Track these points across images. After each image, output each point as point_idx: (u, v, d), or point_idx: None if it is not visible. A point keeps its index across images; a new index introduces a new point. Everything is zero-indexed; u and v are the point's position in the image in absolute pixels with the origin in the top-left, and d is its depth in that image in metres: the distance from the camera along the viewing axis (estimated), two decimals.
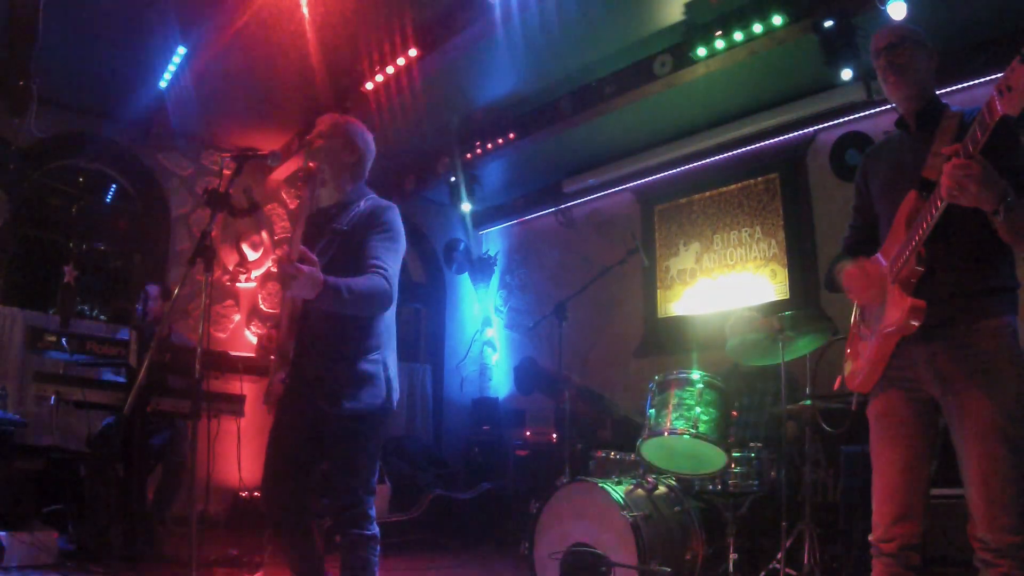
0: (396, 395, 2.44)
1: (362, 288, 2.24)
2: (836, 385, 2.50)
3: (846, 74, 4.29)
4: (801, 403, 3.58)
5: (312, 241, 2.45)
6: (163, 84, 5.39)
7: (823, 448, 4.33)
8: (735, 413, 3.68)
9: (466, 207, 6.69)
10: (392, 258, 2.38)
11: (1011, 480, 1.83)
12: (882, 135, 4.79)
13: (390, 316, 2.47)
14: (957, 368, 1.95)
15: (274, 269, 6.69)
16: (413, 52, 4.80)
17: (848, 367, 2.24)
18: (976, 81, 4.47)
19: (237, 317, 6.55)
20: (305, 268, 2.10)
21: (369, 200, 2.52)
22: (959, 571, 3.35)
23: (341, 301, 2.19)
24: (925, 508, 2.01)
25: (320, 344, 2.35)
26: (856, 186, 2.36)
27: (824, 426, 3.56)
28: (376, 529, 2.34)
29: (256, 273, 6.64)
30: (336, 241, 2.42)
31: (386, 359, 2.42)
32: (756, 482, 3.62)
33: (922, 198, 1.97)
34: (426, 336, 7.95)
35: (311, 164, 2.40)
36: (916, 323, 1.96)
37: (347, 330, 2.36)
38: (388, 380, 2.40)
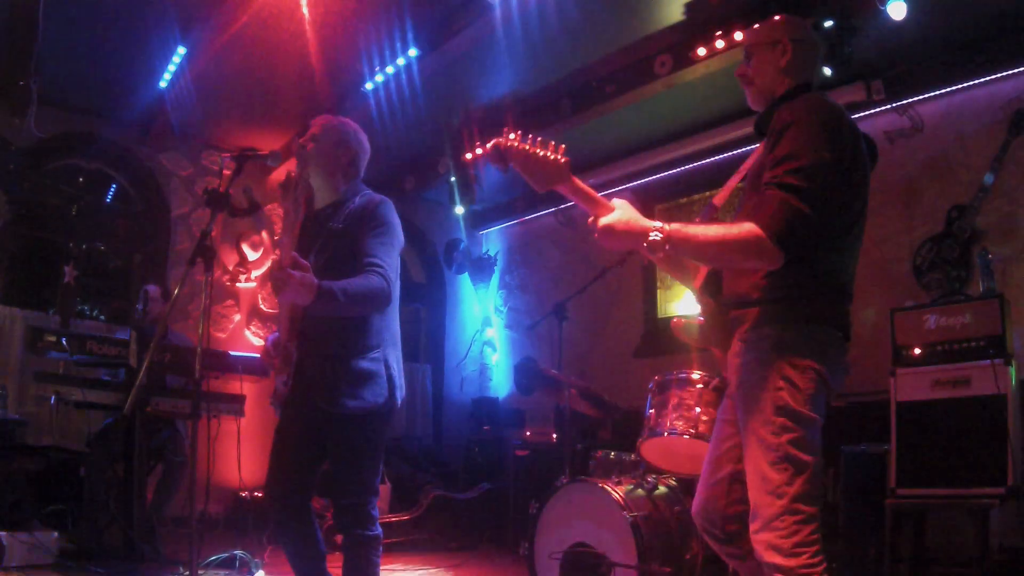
0: (400, 393, 2.43)
1: (358, 289, 2.24)
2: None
3: (845, 74, 4.28)
4: None
5: (310, 242, 2.46)
6: (163, 84, 5.39)
7: (823, 448, 4.33)
8: None
9: (459, 210, 6.67)
10: (388, 254, 2.37)
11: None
12: (882, 135, 4.81)
13: (391, 313, 2.46)
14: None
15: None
16: (413, 52, 4.80)
17: None
18: (976, 81, 4.42)
19: (237, 317, 6.55)
20: (296, 274, 2.10)
21: (363, 196, 2.51)
22: (961, 571, 3.35)
23: (337, 304, 2.19)
24: (723, 493, 2.04)
25: (318, 345, 2.35)
26: None
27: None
28: (379, 529, 2.34)
29: (256, 273, 6.64)
30: (332, 241, 2.42)
31: (387, 357, 2.41)
32: None
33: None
34: (426, 336, 7.95)
35: (291, 173, 2.40)
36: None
37: (344, 330, 2.36)
38: (390, 378, 2.39)
